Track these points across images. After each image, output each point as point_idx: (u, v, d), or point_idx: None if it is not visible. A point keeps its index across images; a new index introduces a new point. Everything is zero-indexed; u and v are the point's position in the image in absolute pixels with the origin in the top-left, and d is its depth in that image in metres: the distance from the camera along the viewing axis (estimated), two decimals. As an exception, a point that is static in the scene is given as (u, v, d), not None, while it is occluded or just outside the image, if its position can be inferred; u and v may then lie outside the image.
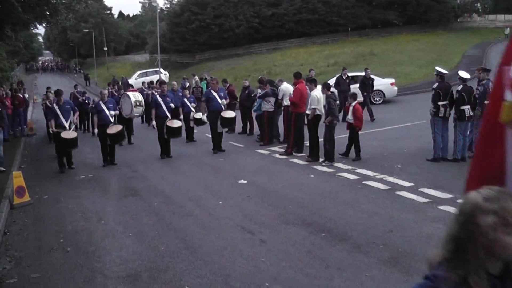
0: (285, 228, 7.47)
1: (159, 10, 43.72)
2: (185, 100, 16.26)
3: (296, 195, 9.26)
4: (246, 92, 16.76)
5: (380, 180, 9.93)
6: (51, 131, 13.24)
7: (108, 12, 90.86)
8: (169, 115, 13.83)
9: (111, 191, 10.64)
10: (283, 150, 13.44)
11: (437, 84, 11.23)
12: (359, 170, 10.83)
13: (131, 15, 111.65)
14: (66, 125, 12.73)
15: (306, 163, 12.02)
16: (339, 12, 55.91)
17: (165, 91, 14.27)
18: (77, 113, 13.93)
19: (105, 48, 73.21)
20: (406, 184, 9.52)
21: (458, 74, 11.18)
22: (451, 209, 7.80)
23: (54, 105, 12.98)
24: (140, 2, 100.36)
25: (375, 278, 5.56)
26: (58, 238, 7.76)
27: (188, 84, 25.39)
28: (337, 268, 5.89)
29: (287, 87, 14.35)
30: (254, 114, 16.09)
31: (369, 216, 7.79)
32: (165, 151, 13.94)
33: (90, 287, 5.89)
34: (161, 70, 42.64)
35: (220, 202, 9.13)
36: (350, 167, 11.16)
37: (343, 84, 18.68)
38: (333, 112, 11.53)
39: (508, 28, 53.02)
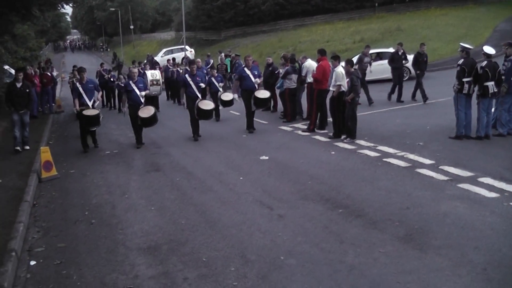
0: (303, 204, 7.57)
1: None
2: (213, 79, 15.71)
3: (316, 172, 9.33)
4: (270, 69, 16.71)
5: (401, 158, 9.91)
6: (74, 111, 12.93)
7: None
8: (199, 95, 13.24)
9: (134, 166, 10.85)
10: (305, 127, 13.48)
11: (462, 60, 11.03)
12: (380, 147, 10.83)
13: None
14: (90, 104, 12.44)
15: (328, 140, 12.06)
16: (366, -12, 54.96)
17: (194, 71, 13.47)
18: (100, 93, 13.63)
19: (131, 27, 73.51)
20: (427, 161, 9.50)
21: (483, 50, 11.00)
22: (471, 188, 7.82)
23: (77, 83, 12.71)
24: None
25: (388, 254, 5.63)
26: (84, 210, 8.02)
27: (212, 61, 25.38)
28: (352, 243, 5.98)
29: (311, 64, 14.32)
30: (277, 91, 16.09)
31: (387, 193, 7.82)
32: (195, 131, 13.57)
33: (112, 257, 6.10)
34: (187, 47, 42.77)
35: (241, 178, 9.25)
36: (372, 144, 11.15)
37: (397, 60, 17.48)
38: (356, 89, 11.48)
39: None
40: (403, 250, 5.74)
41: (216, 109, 15.65)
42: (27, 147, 13.01)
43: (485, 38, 32.74)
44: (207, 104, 13.31)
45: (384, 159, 9.90)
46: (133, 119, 12.84)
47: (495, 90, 10.79)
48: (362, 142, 11.46)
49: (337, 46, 34.34)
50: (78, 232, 7.07)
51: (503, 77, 11.00)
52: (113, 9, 70.76)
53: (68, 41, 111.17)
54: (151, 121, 12.63)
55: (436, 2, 55.44)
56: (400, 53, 17.52)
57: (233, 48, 40.27)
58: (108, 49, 76.07)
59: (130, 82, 12.95)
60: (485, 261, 5.35)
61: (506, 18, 42.29)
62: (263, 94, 13.85)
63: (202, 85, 13.49)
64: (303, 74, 14.44)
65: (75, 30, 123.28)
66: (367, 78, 17.75)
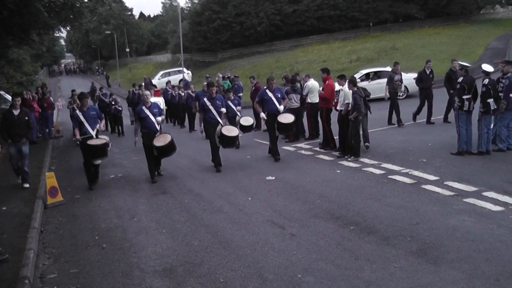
0: (314, 222, 7.64)
1: (180, 9, 44.05)
2: (229, 102, 14.32)
3: (324, 190, 9.42)
4: (270, 89, 16.80)
5: (406, 174, 10.03)
6: (77, 141, 11.31)
7: (129, 13, 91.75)
8: (220, 121, 12.09)
9: (141, 189, 10.90)
10: (314, 147, 13.55)
11: (461, 78, 11.25)
12: (384, 165, 10.94)
13: (152, 15, 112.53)
14: (93, 134, 11.01)
15: (332, 158, 12.16)
16: (360, 7, 55.70)
17: (214, 94, 12.13)
18: (103, 121, 12.08)
19: (127, 49, 73.99)
20: (431, 177, 9.61)
21: (482, 68, 11.20)
22: (476, 202, 7.94)
23: (77, 111, 11.24)
24: (162, 2, 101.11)
25: (404, 269, 5.71)
26: (93, 235, 8.04)
27: (210, 83, 25.46)
28: (367, 259, 6.06)
29: (313, 84, 14.44)
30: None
31: (395, 209, 7.92)
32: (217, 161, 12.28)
33: (128, 280, 6.14)
34: (184, 69, 43.02)
35: (249, 198, 9.32)
36: (376, 162, 11.27)
37: (426, 79, 15.85)
38: (359, 107, 11.59)
39: None
40: (418, 264, 5.83)
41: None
42: (27, 185, 11.60)
43: (478, 55, 33.26)
44: (231, 130, 12.08)
45: (390, 176, 10.01)
46: (148, 149, 11.45)
47: (496, 107, 10.96)
48: (366, 160, 11.58)
49: (334, 66, 34.66)
50: (90, 257, 7.08)
51: (501, 94, 11.19)
52: (108, 32, 71.10)
53: (63, 64, 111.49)
54: (168, 149, 11.34)
55: (429, 21, 56.46)
56: (428, 72, 15.97)
57: (231, 70, 40.67)
58: (104, 72, 76.38)
59: (143, 107, 11.46)
60: (497, 273, 5.46)
61: (497, 37, 43.20)
62: (287, 118, 12.51)
63: (223, 110, 12.26)
64: (304, 93, 14.56)
65: (69, 54, 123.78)
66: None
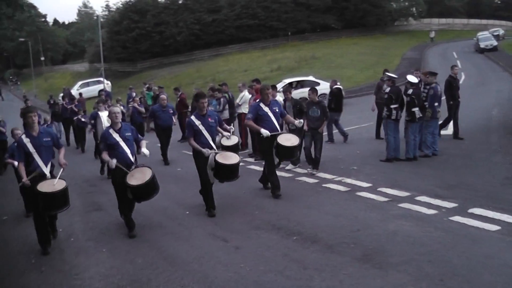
0: (257, 234, 7.68)
1: (95, 17, 43.09)
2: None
3: (260, 201, 9.48)
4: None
5: (339, 182, 10.31)
6: (23, 181, 7.48)
7: (43, 19, 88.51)
8: (213, 145, 8.86)
9: (74, 207, 10.36)
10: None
11: (389, 88, 11.77)
12: (317, 174, 11.17)
13: (66, 22, 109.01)
14: (46, 171, 7.74)
15: (261, 169, 12.20)
16: (279, 17, 56.95)
17: (204, 110, 8.85)
18: (63, 151, 8.19)
19: (42, 58, 71.24)
20: (365, 184, 9.94)
21: (407, 79, 11.71)
22: (411, 206, 8.30)
23: (23, 136, 7.80)
24: (77, 9, 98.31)
25: (352, 276, 5.86)
26: (29, 258, 7.64)
27: (134, 94, 24.86)
28: (315, 268, 6.15)
29: (247, 95, 14.44)
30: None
31: (335, 217, 8.11)
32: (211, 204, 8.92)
33: (75, 304, 5.91)
34: (103, 79, 41.99)
35: (187, 212, 9.22)
36: (308, 171, 11.47)
37: (455, 88, 13.84)
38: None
39: (433, 32, 56.38)
40: (365, 270, 6.01)
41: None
42: None
43: (395, 65, 34.88)
44: (228, 157, 8.80)
45: (324, 185, 10.25)
46: (119, 188, 8.11)
47: (421, 115, 11.51)
48: (298, 169, 11.79)
49: (255, 75, 34.89)
50: (30, 283, 6.72)
51: (425, 104, 11.79)
52: (22, 39, 68.01)
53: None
54: (148, 190, 7.96)
55: (346, 32, 58.61)
56: (455, 78, 14.04)
57: (152, 80, 40.16)
58: (18, 82, 73.11)
59: (110, 131, 8.15)
60: (440, 273, 5.73)
61: (412, 48, 45.80)
62: (290, 140, 9.54)
63: (228, 134, 9.51)
64: (240, 102, 14.44)
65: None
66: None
